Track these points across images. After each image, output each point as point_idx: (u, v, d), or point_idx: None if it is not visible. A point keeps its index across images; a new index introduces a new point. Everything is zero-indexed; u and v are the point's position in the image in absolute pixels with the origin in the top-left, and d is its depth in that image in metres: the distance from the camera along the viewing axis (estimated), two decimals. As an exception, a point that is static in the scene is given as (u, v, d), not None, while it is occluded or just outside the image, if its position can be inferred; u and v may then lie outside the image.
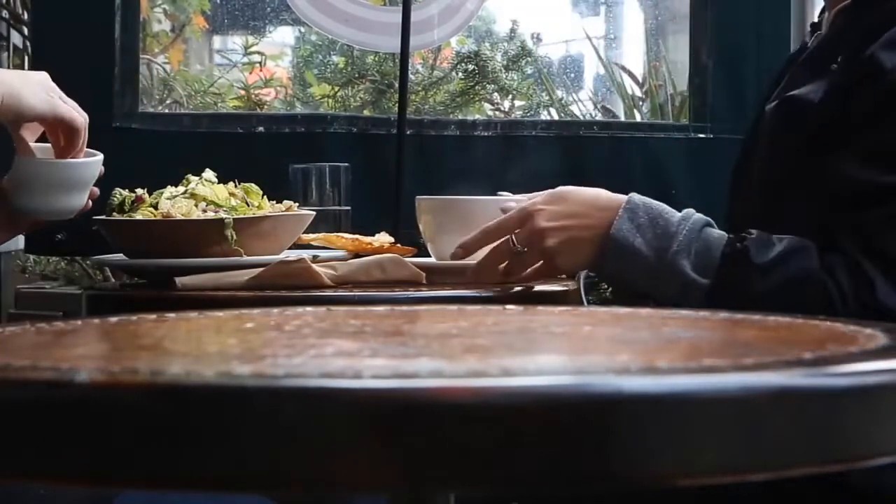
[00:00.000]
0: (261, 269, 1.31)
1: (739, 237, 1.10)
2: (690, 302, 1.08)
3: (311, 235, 1.51)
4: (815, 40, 1.24)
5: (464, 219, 1.34)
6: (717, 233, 1.13)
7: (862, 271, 1.03)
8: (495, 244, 1.23)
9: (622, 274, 1.14)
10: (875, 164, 1.07)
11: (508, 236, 1.21)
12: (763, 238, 1.08)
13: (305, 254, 1.39)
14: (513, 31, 3.26)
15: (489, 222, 1.23)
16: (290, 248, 1.48)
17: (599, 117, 2.96)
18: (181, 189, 1.44)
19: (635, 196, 1.17)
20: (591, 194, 1.20)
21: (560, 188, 1.22)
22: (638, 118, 2.90)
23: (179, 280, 1.32)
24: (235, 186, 1.46)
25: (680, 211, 1.15)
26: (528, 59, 3.17)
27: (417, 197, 1.53)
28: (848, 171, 1.08)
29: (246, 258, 1.36)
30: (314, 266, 1.31)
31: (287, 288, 1.29)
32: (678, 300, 1.10)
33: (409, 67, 2.83)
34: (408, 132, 2.43)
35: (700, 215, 1.15)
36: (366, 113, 3.08)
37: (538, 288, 1.31)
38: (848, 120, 1.09)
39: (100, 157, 1.30)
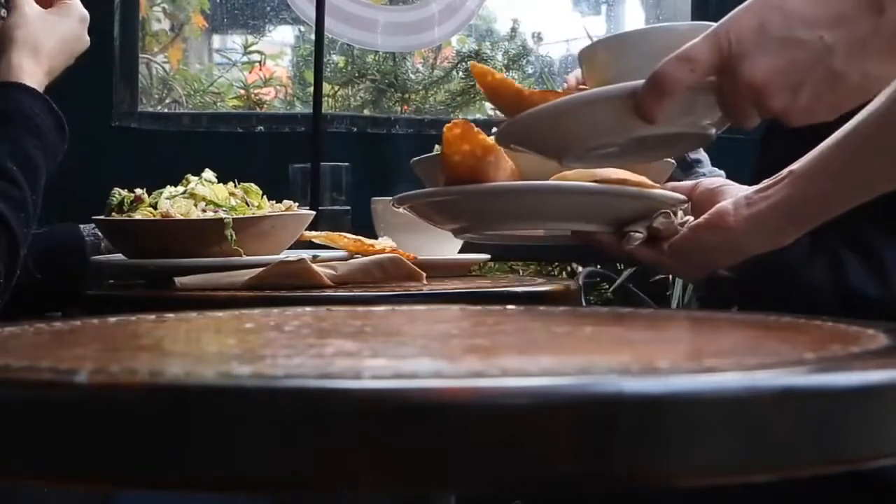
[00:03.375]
0: (260, 269, 1.31)
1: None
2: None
3: (313, 233, 1.51)
4: None
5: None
6: None
7: (835, 255, 1.03)
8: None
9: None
10: None
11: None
12: None
13: (305, 254, 1.40)
14: (513, 30, 3.26)
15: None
16: (291, 248, 1.48)
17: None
18: (180, 189, 1.44)
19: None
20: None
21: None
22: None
23: (179, 280, 1.32)
24: (235, 186, 1.46)
25: None
26: (529, 58, 3.17)
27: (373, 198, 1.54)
28: None
29: (245, 258, 1.36)
30: (314, 266, 1.31)
31: (287, 288, 1.29)
32: None
33: (410, 66, 2.82)
34: (408, 131, 2.43)
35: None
36: (366, 112, 3.08)
37: (538, 288, 1.31)
38: None
39: None
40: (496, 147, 1.09)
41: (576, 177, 1.09)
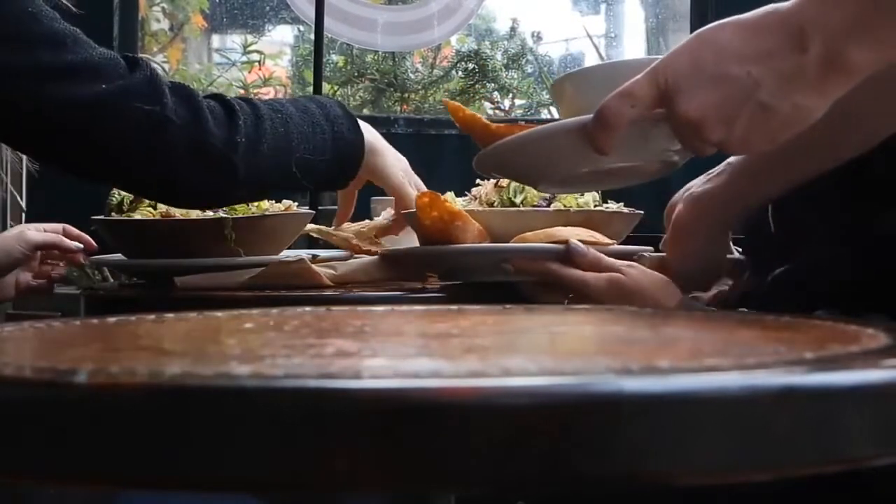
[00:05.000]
0: (260, 268, 1.31)
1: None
2: None
3: (313, 227, 1.51)
4: None
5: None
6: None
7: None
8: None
9: None
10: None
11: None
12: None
13: (304, 254, 1.40)
14: (513, 29, 3.26)
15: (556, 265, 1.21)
16: (293, 245, 1.48)
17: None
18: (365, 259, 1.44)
19: (689, 303, 1.16)
20: (650, 301, 1.15)
21: (622, 283, 1.17)
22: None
23: (179, 280, 1.32)
24: (234, 186, 1.46)
25: None
26: (529, 57, 3.17)
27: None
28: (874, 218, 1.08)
29: (245, 258, 1.36)
30: (314, 266, 1.31)
31: (286, 288, 1.29)
32: None
33: (410, 66, 2.82)
34: (408, 131, 2.43)
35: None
36: (365, 112, 3.08)
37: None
38: (876, 166, 1.08)
39: None
40: (462, 213, 1.27)
41: (534, 238, 1.26)
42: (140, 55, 1.24)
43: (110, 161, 1.16)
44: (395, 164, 1.40)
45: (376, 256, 1.40)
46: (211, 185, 1.20)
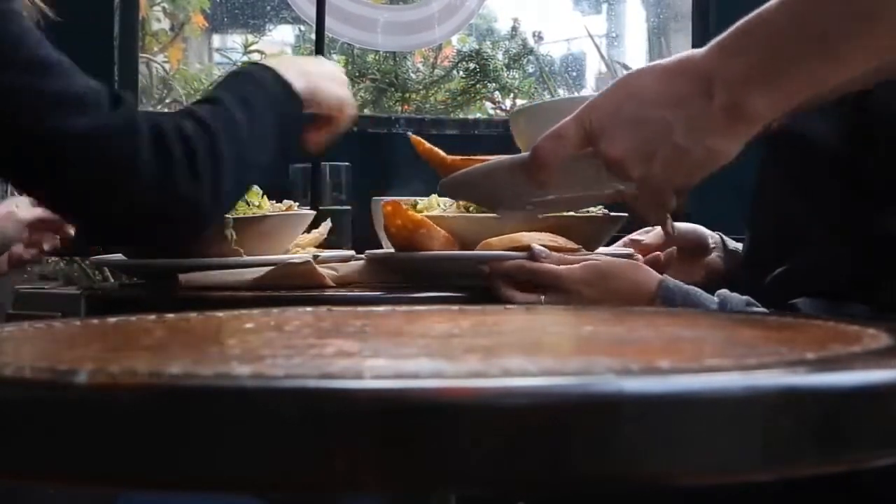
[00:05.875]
0: (264, 268, 1.31)
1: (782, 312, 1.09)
2: None
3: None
4: None
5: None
6: (759, 311, 1.12)
7: None
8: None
9: None
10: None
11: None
12: (808, 307, 1.07)
13: (305, 255, 1.40)
14: (514, 29, 3.26)
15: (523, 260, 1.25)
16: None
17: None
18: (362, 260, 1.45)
19: (668, 282, 1.18)
20: (626, 284, 1.20)
21: (597, 265, 1.22)
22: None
23: (183, 277, 1.32)
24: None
25: None
26: (530, 57, 3.17)
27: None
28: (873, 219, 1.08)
29: (246, 258, 1.36)
30: (318, 267, 1.31)
31: (287, 288, 1.29)
32: None
33: (411, 66, 2.82)
34: (408, 131, 2.43)
35: (737, 296, 1.14)
36: (366, 112, 3.08)
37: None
38: (867, 166, 1.08)
39: None
40: (425, 221, 1.32)
41: (498, 243, 1.29)
42: (122, 92, 1.20)
43: (69, 196, 1.13)
44: (330, 88, 1.34)
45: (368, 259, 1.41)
46: (170, 236, 1.19)
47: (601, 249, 1.39)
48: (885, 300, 1.06)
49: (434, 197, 1.44)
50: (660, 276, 1.20)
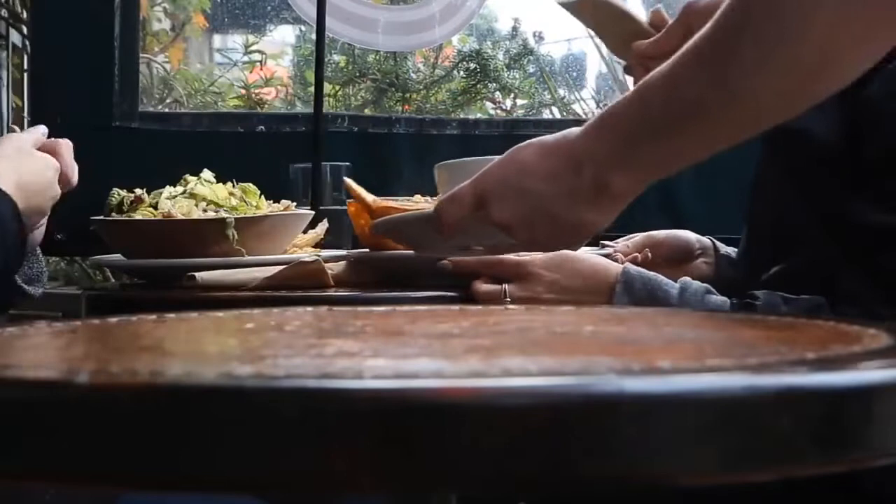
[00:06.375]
0: (276, 267, 1.32)
1: (744, 303, 1.09)
2: None
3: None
4: None
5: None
6: (718, 299, 1.14)
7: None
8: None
9: None
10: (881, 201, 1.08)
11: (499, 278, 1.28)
12: (771, 302, 1.08)
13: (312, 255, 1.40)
14: (514, 29, 3.26)
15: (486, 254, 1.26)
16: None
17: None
18: (180, 189, 1.44)
19: (630, 268, 1.20)
20: (588, 266, 1.24)
21: (559, 254, 1.25)
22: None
23: (198, 275, 1.32)
24: (233, 186, 1.46)
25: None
26: (530, 57, 3.17)
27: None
28: (867, 215, 1.08)
29: (247, 258, 1.36)
30: (325, 267, 1.32)
31: (297, 288, 1.30)
32: None
33: (411, 66, 2.82)
34: (409, 131, 2.43)
35: (698, 283, 1.16)
36: (367, 112, 3.08)
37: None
38: (864, 163, 1.09)
39: None
40: None
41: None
42: None
43: None
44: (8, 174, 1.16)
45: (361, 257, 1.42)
46: None
47: (583, 250, 1.39)
48: (879, 297, 1.06)
49: (418, 197, 1.45)
50: (618, 264, 1.22)
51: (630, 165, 0.87)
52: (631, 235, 1.50)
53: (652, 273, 1.20)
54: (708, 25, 0.81)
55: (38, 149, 1.22)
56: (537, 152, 0.92)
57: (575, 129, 0.91)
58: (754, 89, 0.79)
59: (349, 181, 1.41)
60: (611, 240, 1.47)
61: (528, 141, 0.94)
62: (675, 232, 1.48)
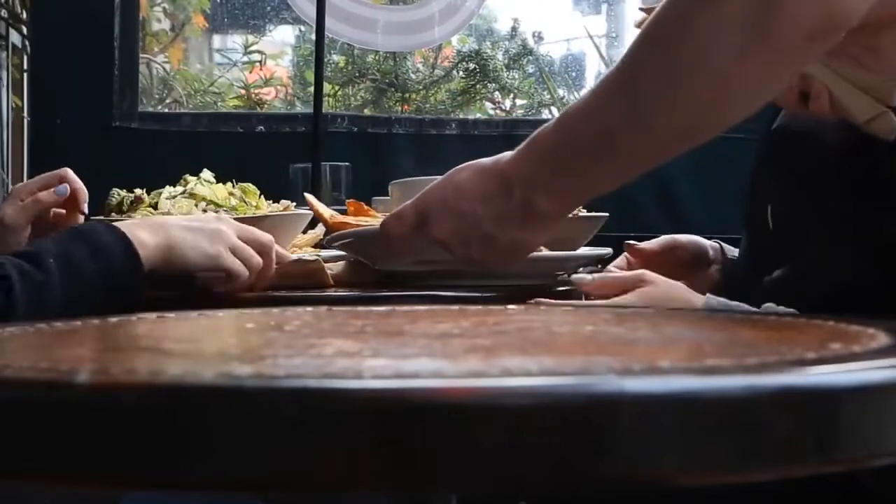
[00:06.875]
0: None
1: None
2: None
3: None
4: None
5: None
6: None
7: None
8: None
9: None
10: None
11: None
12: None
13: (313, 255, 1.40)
14: (514, 29, 3.26)
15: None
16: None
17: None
18: (180, 189, 1.44)
19: (712, 300, 1.17)
20: (681, 303, 1.18)
21: (648, 293, 1.20)
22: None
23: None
24: (233, 186, 1.46)
25: None
26: (530, 57, 3.17)
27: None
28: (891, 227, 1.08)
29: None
30: (325, 266, 1.32)
31: (298, 288, 1.30)
32: None
33: (411, 66, 2.82)
34: (408, 131, 2.43)
35: (781, 309, 1.13)
36: (366, 112, 3.08)
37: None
38: (878, 171, 1.09)
39: None
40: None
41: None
42: None
43: None
44: (192, 253, 1.19)
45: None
46: None
47: (583, 250, 1.38)
48: (887, 301, 1.06)
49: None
50: (702, 295, 1.19)
51: (554, 188, 0.91)
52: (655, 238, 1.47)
53: (735, 303, 1.18)
54: (622, 59, 0.85)
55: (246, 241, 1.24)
56: (473, 174, 0.96)
57: (509, 153, 0.94)
58: (660, 124, 0.83)
59: (308, 196, 1.42)
60: (639, 240, 1.45)
61: (468, 163, 0.98)
62: (694, 238, 1.47)
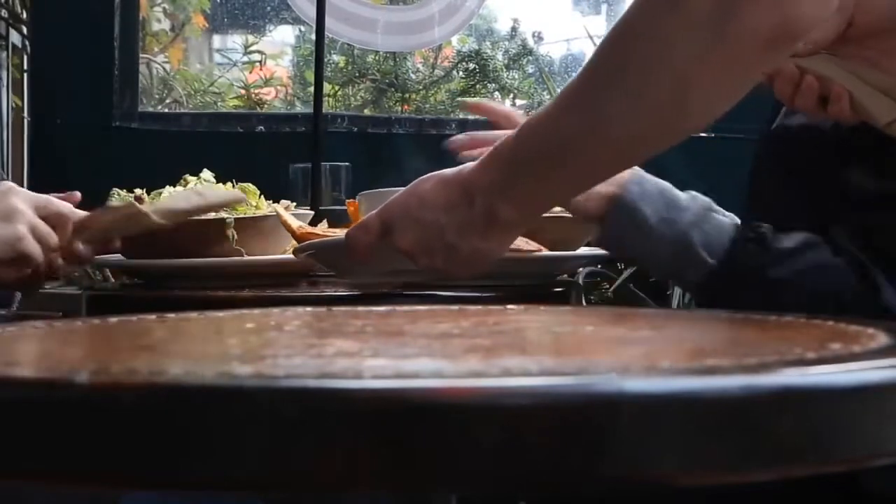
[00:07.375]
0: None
1: (753, 225, 1.10)
2: (689, 277, 1.09)
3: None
4: None
5: None
6: (724, 215, 1.13)
7: (867, 273, 1.04)
8: None
9: (624, 236, 1.13)
10: (882, 174, 1.08)
11: None
12: (777, 229, 1.09)
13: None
14: (514, 29, 3.26)
15: None
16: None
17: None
18: (180, 189, 1.44)
19: (639, 169, 1.17)
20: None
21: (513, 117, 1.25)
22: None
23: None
24: (233, 186, 1.46)
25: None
26: (530, 57, 3.17)
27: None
28: (854, 178, 1.09)
29: (247, 258, 1.36)
30: (142, 208, 1.27)
31: (122, 234, 1.27)
32: (676, 273, 1.11)
33: (411, 66, 2.82)
34: (408, 131, 2.43)
35: (705, 197, 1.16)
36: (366, 112, 3.08)
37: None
38: (877, 171, 1.10)
39: None
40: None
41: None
42: None
43: None
44: None
45: (193, 185, 1.41)
46: None
47: (582, 250, 1.37)
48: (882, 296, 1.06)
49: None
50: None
51: (515, 197, 0.91)
52: None
53: (663, 182, 1.18)
54: (582, 68, 0.86)
55: (42, 216, 1.15)
56: (436, 184, 0.96)
57: (471, 163, 0.95)
58: (618, 130, 0.83)
59: (276, 206, 1.40)
60: None
61: (432, 173, 0.98)
62: None
